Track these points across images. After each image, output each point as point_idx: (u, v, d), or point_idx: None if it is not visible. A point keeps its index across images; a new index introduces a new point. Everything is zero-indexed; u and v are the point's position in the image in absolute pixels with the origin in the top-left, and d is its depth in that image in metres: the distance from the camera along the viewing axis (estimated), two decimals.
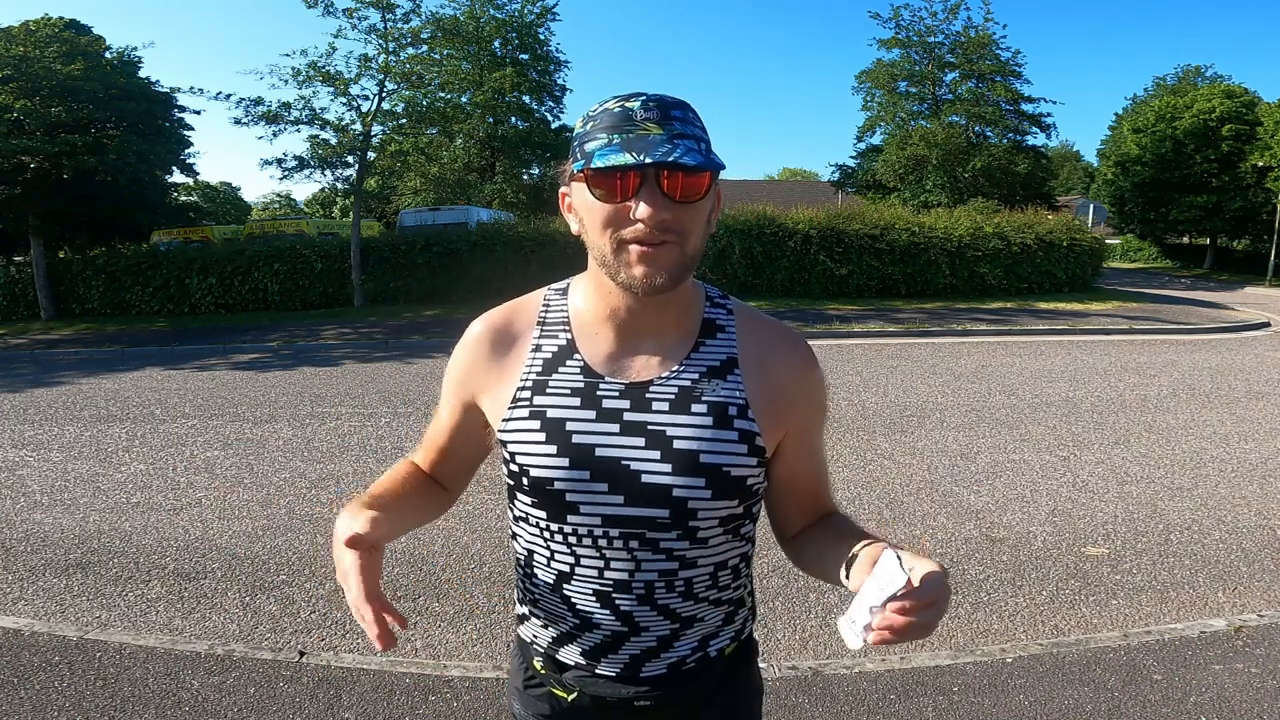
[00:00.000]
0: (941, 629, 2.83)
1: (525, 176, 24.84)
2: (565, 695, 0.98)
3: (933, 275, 13.75)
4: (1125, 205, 29.29)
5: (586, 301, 0.92)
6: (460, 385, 0.97)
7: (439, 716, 2.32)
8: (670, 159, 0.75)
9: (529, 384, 0.90)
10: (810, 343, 0.98)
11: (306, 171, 14.39)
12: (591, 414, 0.87)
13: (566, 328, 0.93)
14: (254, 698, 2.42)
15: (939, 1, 25.49)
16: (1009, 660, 2.56)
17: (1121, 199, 29.27)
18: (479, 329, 0.97)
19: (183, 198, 21.95)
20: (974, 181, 24.95)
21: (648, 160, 0.75)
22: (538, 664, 0.99)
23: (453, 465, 1.03)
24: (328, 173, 14.65)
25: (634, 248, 0.79)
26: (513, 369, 0.93)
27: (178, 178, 17.93)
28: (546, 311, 0.95)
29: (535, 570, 0.94)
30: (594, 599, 0.90)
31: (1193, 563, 3.38)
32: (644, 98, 0.80)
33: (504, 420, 0.91)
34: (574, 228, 0.87)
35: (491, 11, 22.69)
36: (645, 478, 0.85)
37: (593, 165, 0.77)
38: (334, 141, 14.21)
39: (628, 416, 0.86)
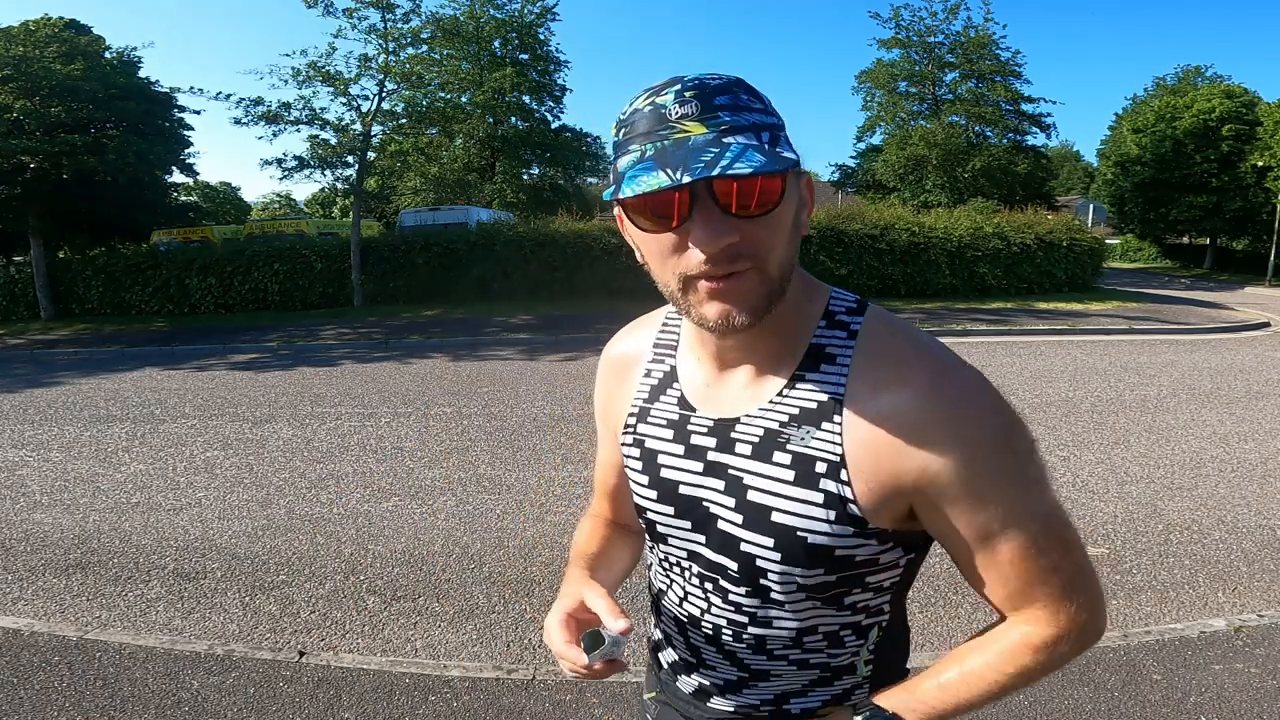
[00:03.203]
0: (942, 629, 2.83)
1: (525, 176, 24.88)
2: (650, 693, 0.99)
3: (932, 275, 13.75)
4: (1125, 205, 29.31)
5: (685, 325, 0.83)
6: (602, 417, 0.95)
7: (439, 716, 2.32)
8: (715, 171, 0.58)
9: (636, 410, 0.86)
10: None
11: (306, 171, 14.42)
12: (680, 449, 0.80)
13: (674, 353, 0.85)
14: (254, 698, 2.42)
15: (939, 1, 25.57)
16: None
17: (1121, 199, 29.30)
18: (604, 356, 0.94)
19: (183, 198, 21.98)
20: (974, 181, 25.00)
21: (686, 179, 0.58)
22: (650, 658, 1.00)
23: (627, 505, 0.93)
24: (328, 173, 14.68)
25: (702, 283, 0.65)
26: (628, 394, 0.88)
27: (178, 178, 18.03)
28: (662, 333, 0.88)
29: (650, 578, 0.94)
30: (674, 623, 0.87)
31: (1193, 563, 3.37)
32: (679, 86, 0.64)
33: (620, 445, 0.88)
34: (637, 256, 0.72)
35: (491, 11, 22.74)
36: (721, 524, 0.77)
37: (622, 194, 0.62)
38: (334, 141, 14.23)
39: (711, 456, 0.78)
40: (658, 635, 0.93)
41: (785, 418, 0.73)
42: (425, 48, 15.61)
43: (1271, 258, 23.91)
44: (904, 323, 0.75)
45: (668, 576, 0.86)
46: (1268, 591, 3.10)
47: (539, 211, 18.59)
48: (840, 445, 0.69)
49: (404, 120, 15.87)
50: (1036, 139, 27.39)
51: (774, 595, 0.75)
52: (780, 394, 0.74)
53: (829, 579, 0.73)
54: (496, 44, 23.31)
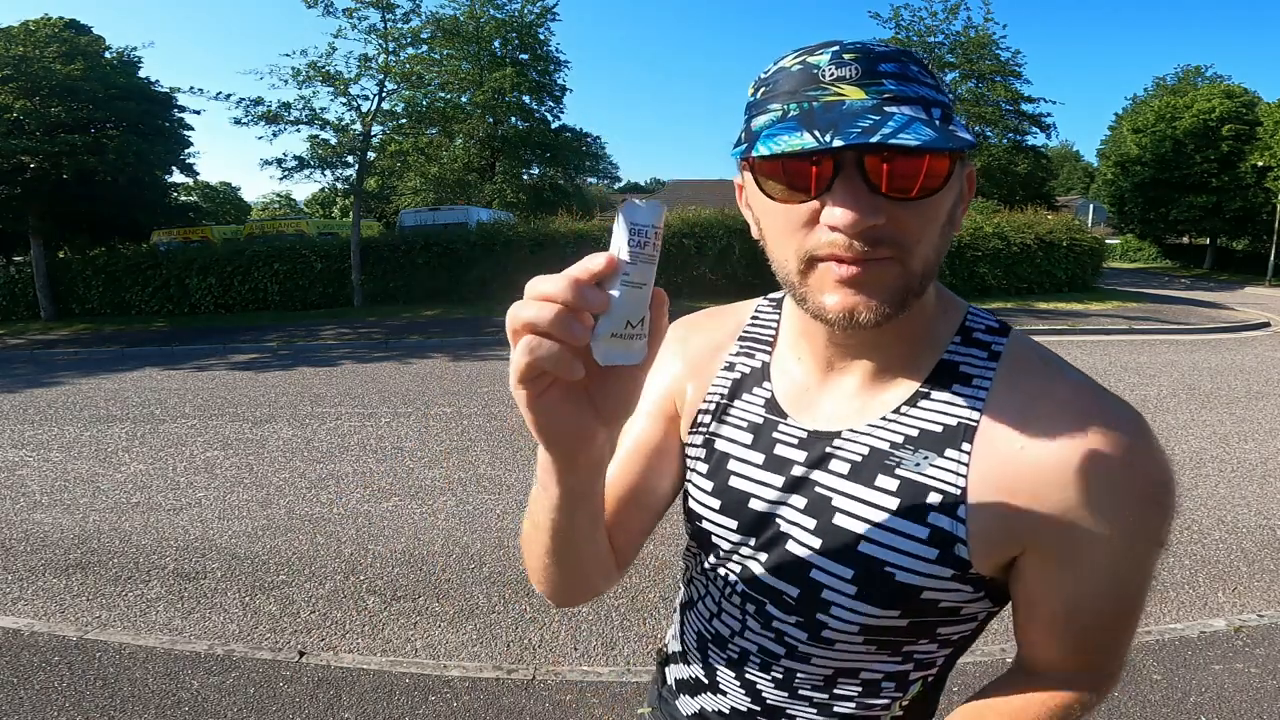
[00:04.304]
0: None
1: (525, 176, 24.88)
2: (646, 708, 0.91)
3: None
4: (1125, 205, 29.34)
5: (788, 317, 0.74)
6: (669, 386, 0.80)
7: (439, 716, 2.32)
8: (874, 139, 0.50)
9: (711, 407, 0.76)
10: None
11: (306, 171, 14.43)
12: (760, 458, 0.71)
13: (768, 349, 0.76)
14: (254, 698, 2.42)
15: (939, 1, 25.51)
16: (1009, 660, 2.55)
17: (1121, 199, 29.32)
18: (677, 330, 0.84)
19: (183, 198, 21.99)
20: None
21: (837, 143, 0.51)
22: (656, 670, 0.91)
23: (633, 514, 0.79)
24: (328, 173, 14.70)
25: (829, 266, 0.57)
26: (702, 384, 0.78)
27: (178, 178, 18.04)
28: (752, 325, 0.79)
29: (680, 584, 0.86)
30: (696, 638, 0.79)
31: (1193, 563, 3.37)
32: (837, 47, 0.56)
33: (685, 441, 0.79)
34: (753, 230, 0.65)
35: (491, 11, 22.72)
36: (791, 545, 0.67)
37: (756, 152, 0.54)
38: (334, 141, 14.24)
39: (796, 471, 0.68)
40: (673, 648, 0.85)
41: (899, 438, 0.64)
42: (425, 48, 15.61)
43: (1271, 258, 23.92)
44: (1053, 352, 0.66)
45: (705, 587, 0.78)
46: (1268, 591, 3.10)
47: (539, 211, 18.61)
48: (964, 477, 0.60)
49: (404, 120, 15.91)
50: (1036, 139, 27.34)
51: (826, 632, 0.67)
52: (897, 411, 0.65)
53: (899, 623, 0.65)
54: (496, 44, 23.28)
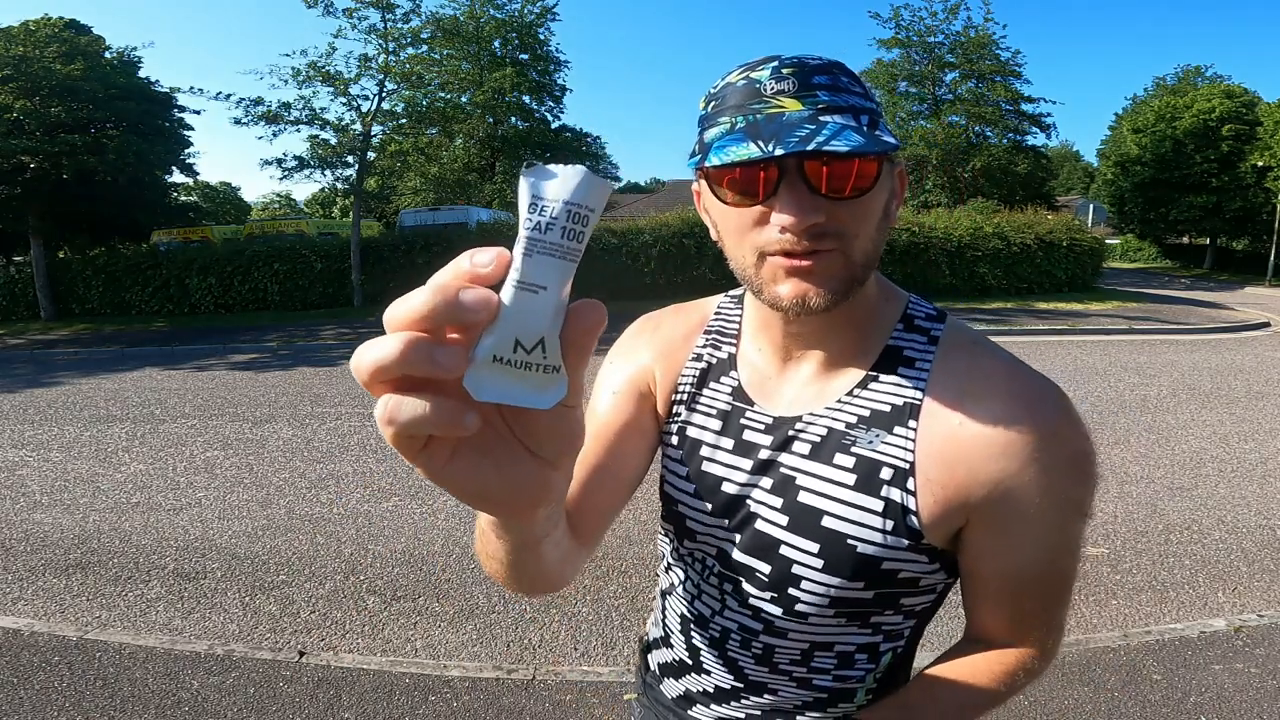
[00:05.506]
0: (942, 629, 2.83)
1: None
2: (632, 695, 0.94)
3: (932, 275, 13.74)
4: (1125, 205, 29.31)
5: (748, 312, 0.79)
6: (639, 368, 0.83)
7: (439, 716, 2.32)
8: (810, 146, 0.57)
9: (682, 397, 0.80)
10: None
11: (306, 171, 14.41)
12: (729, 443, 0.76)
13: (733, 342, 0.80)
14: (254, 698, 2.42)
15: (939, 1, 25.51)
16: None
17: (1121, 199, 29.30)
18: (646, 321, 0.88)
19: (183, 198, 21.99)
20: (974, 181, 24.99)
21: (778, 151, 0.57)
22: (639, 658, 0.95)
23: (602, 495, 0.78)
24: (328, 173, 14.67)
25: (779, 260, 0.63)
26: (671, 373, 0.82)
27: (178, 178, 18.06)
28: (716, 319, 0.84)
29: (660, 572, 0.90)
30: (679, 621, 0.83)
31: (1193, 563, 3.37)
32: (776, 63, 0.62)
33: (661, 431, 0.83)
34: (712, 233, 0.71)
35: (491, 11, 22.71)
36: (760, 524, 0.73)
37: (709, 162, 0.61)
38: (334, 141, 14.23)
39: (763, 454, 0.73)
40: (655, 634, 0.89)
41: (853, 419, 0.69)
42: (425, 48, 15.61)
43: (1271, 258, 23.91)
44: (984, 335, 0.73)
45: (683, 571, 0.81)
46: (1268, 591, 3.10)
47: None
48: (911, 452, 0.66)
49: (404, 120, 15.90)
50: (1036, 139, 27.36)
51: (799, 606, 0.71)
52: (850, 394, 0.70)
53: (865, 595, 0.69)
54: (496, 44, 23.27)
